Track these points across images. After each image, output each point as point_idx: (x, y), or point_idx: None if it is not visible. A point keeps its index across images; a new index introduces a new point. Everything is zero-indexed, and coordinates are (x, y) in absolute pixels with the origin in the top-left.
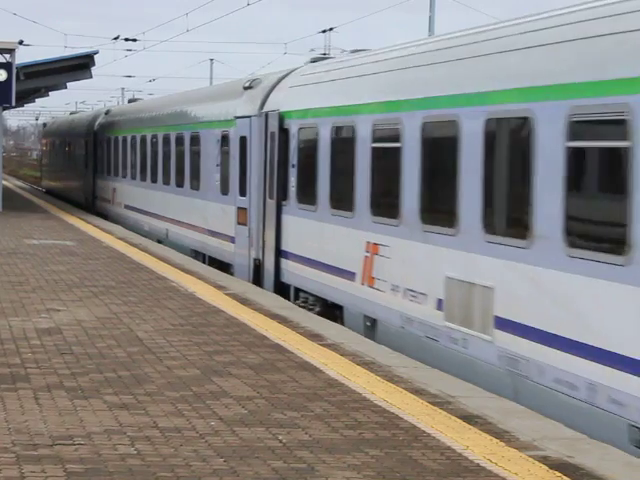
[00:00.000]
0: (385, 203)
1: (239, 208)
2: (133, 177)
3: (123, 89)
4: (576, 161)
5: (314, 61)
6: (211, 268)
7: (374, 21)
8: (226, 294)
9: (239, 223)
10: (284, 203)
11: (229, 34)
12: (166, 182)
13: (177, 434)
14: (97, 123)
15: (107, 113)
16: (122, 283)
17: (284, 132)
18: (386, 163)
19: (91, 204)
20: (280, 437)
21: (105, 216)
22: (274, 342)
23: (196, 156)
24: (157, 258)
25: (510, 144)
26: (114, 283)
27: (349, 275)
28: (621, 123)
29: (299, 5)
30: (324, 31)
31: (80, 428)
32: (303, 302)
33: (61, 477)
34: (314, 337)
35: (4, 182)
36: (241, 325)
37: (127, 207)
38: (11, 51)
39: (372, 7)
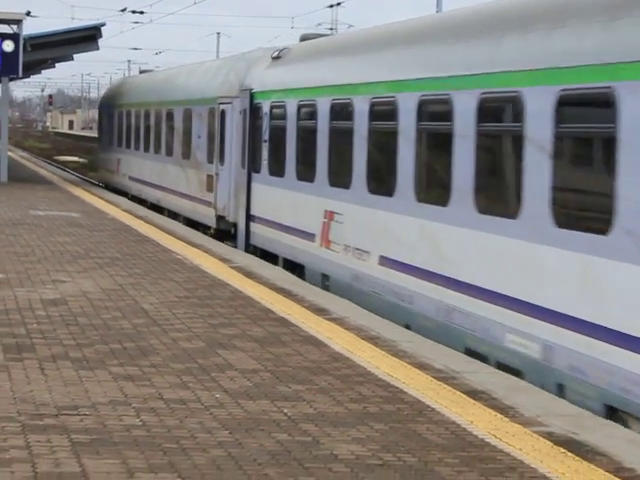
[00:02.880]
0: None
1: None
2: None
3: (129, 61)
4: None
5: None
6: (217, 241)
7: None
8: (231, 267)
9: None
10: None
11: (236, 8)
12: None
13: (182, 406)
14: (256, 75)
15: (278, 56)
16: (127, 255)
17: None
18: None
19: (243, 232)
20: (285, 410)
21: (292, 265)
22: (279, 315)
23: None
24: (162, 231)
25: None
26: (119, 255)
27: None
28: None
29: None
30: (331, 6)
31: (85, 399)
32: None
33: (66, 447)
34: (319, 311)
35: (10, 153)
36: (246, 298)
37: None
38: (18, 22)
39: None
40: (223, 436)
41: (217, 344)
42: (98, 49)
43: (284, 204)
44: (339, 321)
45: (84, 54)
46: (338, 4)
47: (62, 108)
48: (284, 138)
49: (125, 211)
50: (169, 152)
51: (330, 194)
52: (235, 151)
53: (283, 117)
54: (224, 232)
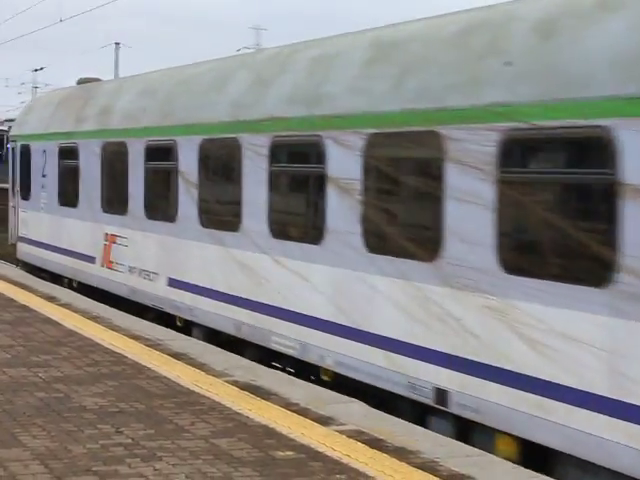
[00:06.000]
0: None
1: None
2: None
3: None
4: None
5: None
6: None
7: (74, 63)
8: None
9: None
10: None
11: None
12: None
13: None
14: None
15: None
16: None
17: None
18: None
19: None
20: (40, 374)
21: None
22: (21, 303)
23: None
24: None
25: None
26: None
27: None
28: None
29: (10, 46)
30: (35, 70)
31: None
32: None
33: None
34: (51, 299)
35: None
36: None
37: None
38: None
39: (73, 51)
40: None
41: None
42: None
43: None
44: (67, 306)
45: None
46: (41, 68)
47: None
48: None
49: None
50: (379, 244)
51: None
52: None
53: None
54: None
